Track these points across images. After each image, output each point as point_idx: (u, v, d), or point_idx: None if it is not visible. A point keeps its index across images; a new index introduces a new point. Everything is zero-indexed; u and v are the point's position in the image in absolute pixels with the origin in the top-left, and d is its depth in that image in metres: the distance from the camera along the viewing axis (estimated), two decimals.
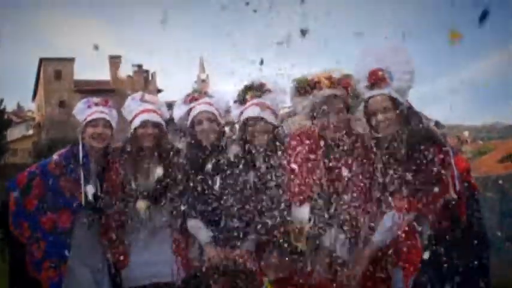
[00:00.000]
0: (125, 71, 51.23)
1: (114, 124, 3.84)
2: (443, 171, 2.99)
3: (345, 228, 3.23)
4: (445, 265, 2.98)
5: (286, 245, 3.29)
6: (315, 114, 3.30)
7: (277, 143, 3.53)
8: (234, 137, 3.80)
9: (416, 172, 3.01)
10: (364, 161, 3.25)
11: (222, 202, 3.56)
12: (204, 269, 3.50)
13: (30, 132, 53.77)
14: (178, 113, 3.91)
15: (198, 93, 3.92)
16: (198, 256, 3.66)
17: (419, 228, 3.07)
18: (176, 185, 3.70)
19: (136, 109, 3.81)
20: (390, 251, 3.11)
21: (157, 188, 3.73)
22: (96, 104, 3.83)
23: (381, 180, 3.17)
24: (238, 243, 3.53)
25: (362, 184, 3.24)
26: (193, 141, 3.74)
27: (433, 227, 3.05)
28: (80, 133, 3.76)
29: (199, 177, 3.63)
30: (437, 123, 3.40)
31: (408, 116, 3.10)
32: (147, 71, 52.58)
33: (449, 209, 3.03)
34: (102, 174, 3.77)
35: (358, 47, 3.37)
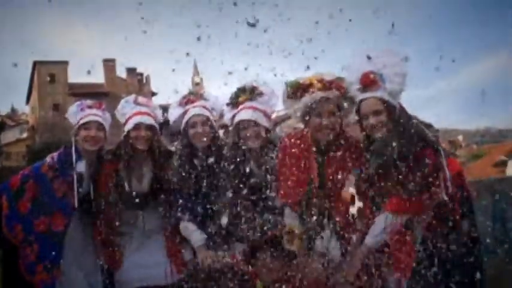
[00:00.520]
0: (119, 74, 51.16)
1: (107, 127, 3.84)
2: (435, 174, 3.01)
3: (338, 230, 3.24)
4: (438, 267, 2.99)
5: (278, 248, 3.30)
6: (307, 117, 3.31)
7: (270, 146, 3.54)
8: (227, 140, 3.81)
9: (408, 174, 3.02)
10: (357, 163, 3.26)
11: (214, 205, 3.57)
12: (196, 272, 3.50)
13: (24, 135, 53.46)
14: (173, 115, 3.92)
15: (194, 95, 3.92)
16: (190, 259, 3.67)
17: (412, 230, 3.08)
18: (169, 188, 3.70)
19: (130, 111, 3.80)
20: (383, 254, 3.12)
21: (150, 191, 3.73)
22: (90, 107, 3.83)
23: (373, 182, 3.17)
24: (231, 246, 3.54)
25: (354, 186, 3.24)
26: (186, 144, 3.74)
27: (425, 229, 3.07)
28: (73, 136, 3.76)
29: (192, 180, 3.63)
30: (429, 126, 3.42)
31: (400, 118, 3.09)
32: (141, 74, 52.51)
33: (442, 211, 3.04)
34: (96, 177, 3.77)
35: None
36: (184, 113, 3.82)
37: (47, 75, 49.42)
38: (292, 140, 3.39)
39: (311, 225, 3.25)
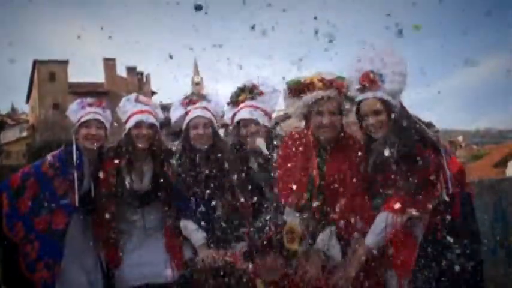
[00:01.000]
0: (119, 73, 51.16)
1: (107, 125, 3.84)
2: (436, 173, 3.00)
3: (338, 230, 3.23)
4: (438, 266, 2.99)
5: (279, 247, 3.29)
6: (308, 116, 3.31)
7: (271, 145, 3.54)
8: (227, 138, 3.81)
9: (408, 174, 3.01)
10: (357, 162, 3.26)
11: (215, 204, 3.57)
12: (197, 270, 3.50)
13: (24, 134, 53.50)
14: (175, 115, 3.92)
15: (197, 96, 3.93)
16: (190, 257, 3.67)
17: (413, 230, 3.08)
18: (169, 187, 3.70)
19: (131, 110, 3.80)
20: (384, 253, 3.11)
21: (150, 189, 3.74)
22: (90, 105, 3.83)
23: (373, 182, 3.17)
24: (232, 245, 3.54)
25: (355, 186, 3.24)
26: (187, 144, 3.75)
27: (426, 228, 3.07)
28: (73, 134, 3.76)
29: (193, 179, 3.64)
30: (429, 125, 3.41)
31: (400, 118, 3.08)
32: (141, 73, 52.51)
33: (442, 211, 3.04)
34: (96, 175, 3.77)
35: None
36: (186, 113, 3.82)
37: (47, 74, 49.43)
38: (293, 139, 3.39)
39: (312, 224, 3.24)
